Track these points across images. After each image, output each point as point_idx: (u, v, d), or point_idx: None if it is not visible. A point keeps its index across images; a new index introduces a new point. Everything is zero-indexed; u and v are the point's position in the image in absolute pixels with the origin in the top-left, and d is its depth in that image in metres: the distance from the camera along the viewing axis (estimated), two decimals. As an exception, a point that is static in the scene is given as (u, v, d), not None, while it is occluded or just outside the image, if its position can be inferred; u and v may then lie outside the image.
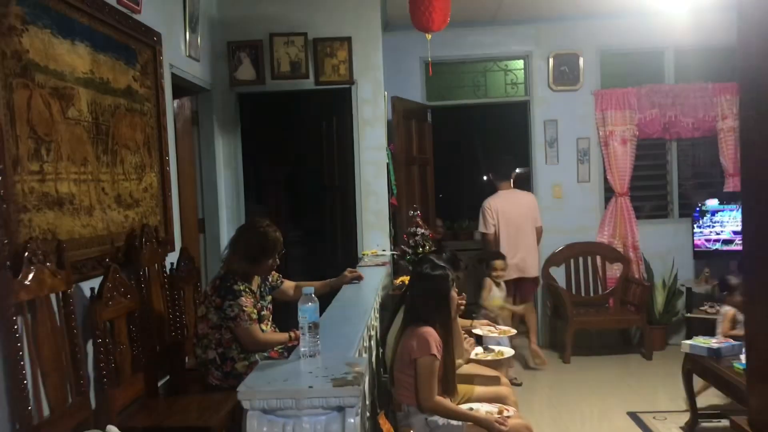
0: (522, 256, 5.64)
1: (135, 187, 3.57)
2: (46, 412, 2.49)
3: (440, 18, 4.19)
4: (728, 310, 4.63)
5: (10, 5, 2.49)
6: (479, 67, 6.65)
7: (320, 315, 2.26)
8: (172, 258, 3.90)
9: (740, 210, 4.35)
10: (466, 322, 4.21)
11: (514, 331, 4.40)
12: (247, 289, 3.24)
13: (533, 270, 5.77)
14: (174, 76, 4.29)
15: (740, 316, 4.40)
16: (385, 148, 5.45)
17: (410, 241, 4.78)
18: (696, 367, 4.13)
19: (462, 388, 3.29)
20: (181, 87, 4.62)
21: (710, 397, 4.48)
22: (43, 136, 2.68)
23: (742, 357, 3.77)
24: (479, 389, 3.41)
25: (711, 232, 6.07)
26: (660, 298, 6.24)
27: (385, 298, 4.43)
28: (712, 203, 6.08)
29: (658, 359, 5.90)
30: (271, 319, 3.46)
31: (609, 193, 6.49)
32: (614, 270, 6.38)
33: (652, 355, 5.93)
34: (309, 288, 2.20)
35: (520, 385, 5.18)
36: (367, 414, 2.70)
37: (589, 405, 4.89)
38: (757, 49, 2.08)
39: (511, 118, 7.48)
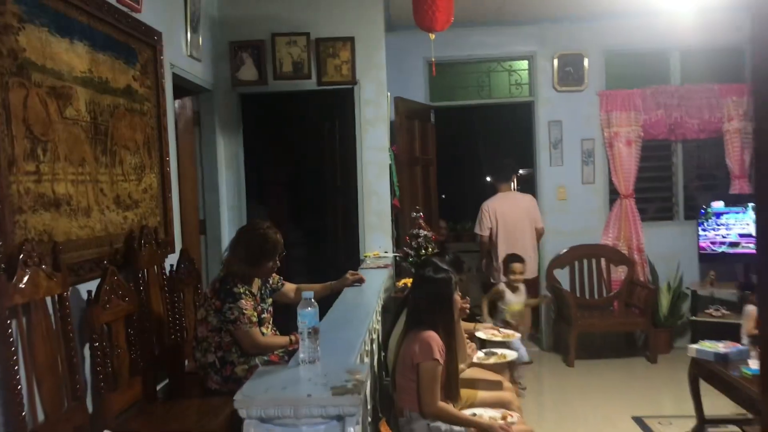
0: None
1: (134, 187, 3.53)
2: (41, 417, 2.44)
3: (444, 17, 4.14)
4: (752, 309, 4.55)
5: (6, 3, 2.45)
6: (483, 68, 6.60)
7: (320, 319, 2.21)
8: (172, 260, 3.86)
9: (754, 211, 4.29)
10: (470, 326, 4.16)
11: (517, 335, 4.34)
12: (247, 292, 3.20)
13: (531, 271, 5.73)
14: (175, 76, 4.25)
15: None
16: (388, 149, 5.41)
17: (413, 243, 4.73)
18: (703, 372, 4.06)
19: (465, 393, 3.23)
20: (183, 87, 4.59)
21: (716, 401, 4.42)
22: (39, 135, 2.64)
23: (750, 362, 3.72)
24: (482, 394, 3.36)
25: (717, 234, 6.01)
26: (665, 301, 6.18)
27: (387, 301, 4.38)
28: (718, 205, 6.02)
29: (663, 363, 5.85)
30: (271, 322, 3.41)
31: (614, 194, 6.44)
32: (619, 272, 6.34)
33: (657, 359, 5.89)
34: (308, 292, 2.15)
35: (524, 389, 5.11)
36: (369, 419, 2.65)
37: (594, 409, 4.83)
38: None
39: (515, 119, 7.44)
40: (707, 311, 5.84)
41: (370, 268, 4.62)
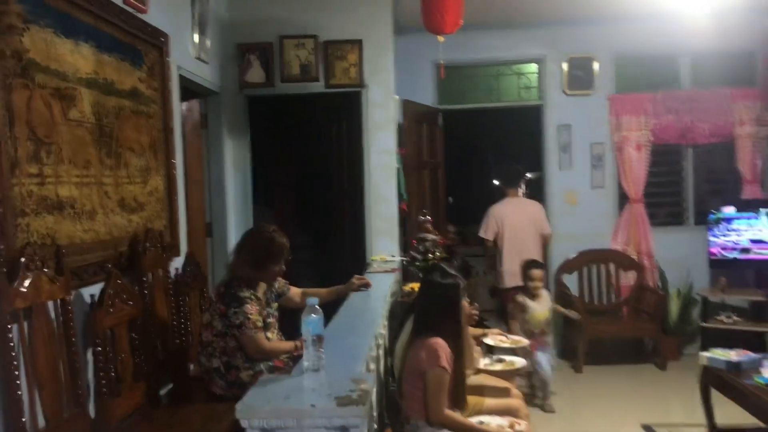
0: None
1: (140, 190, 3.50)
2: (41, 423, 2.41)
3: (452, 20, 4.11)
4: None
5: (9, 3, 2.42)
6: (492, 71, 6.57)
7: (326, 324, 2.17)
8: (177, 263, 3.83)
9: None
10: (478, 332, 4.10)
11: (526, 342, 4.28)
12: (252, 296, 3.16)
13: None
14: (182, 78, 4.23)
15: None
16: (396, 152, 5.37)
17: (420, 247, 4.69)
18: (714, 380, 3.99)
19: (472, 400, 3.19)
20: (190, 89, 4.57)
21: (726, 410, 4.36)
22: (43, 137, 2.61)
23: (763, 370, 3.66)
24: (489, 401, 3.31)
25: (727, 240, 5.93)
26: (675, 307, 6.11)
27: (394, 306, 4.34)
28: (729, 210, 5.94)
29: (673, 369, 5.78)
30: (277, 326, 3.38)
31: (623, 199, 6.38)
32: (628, 278, 6.27)
33: (667, 365, 5.83)
34: (313, 299, 2.11)
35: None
36: (375, 427, 2.61)
37: (602, 416, 4.77)
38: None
39: (524, 123, 7.38)
40: (718, 318, 5.76)
41: (377, 272, 4.59)
